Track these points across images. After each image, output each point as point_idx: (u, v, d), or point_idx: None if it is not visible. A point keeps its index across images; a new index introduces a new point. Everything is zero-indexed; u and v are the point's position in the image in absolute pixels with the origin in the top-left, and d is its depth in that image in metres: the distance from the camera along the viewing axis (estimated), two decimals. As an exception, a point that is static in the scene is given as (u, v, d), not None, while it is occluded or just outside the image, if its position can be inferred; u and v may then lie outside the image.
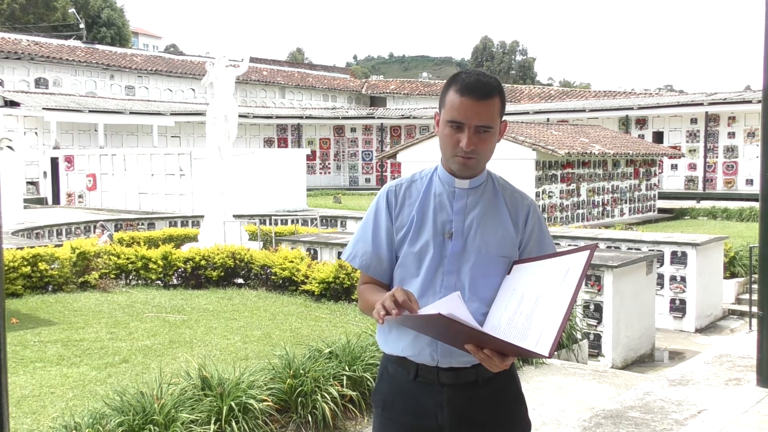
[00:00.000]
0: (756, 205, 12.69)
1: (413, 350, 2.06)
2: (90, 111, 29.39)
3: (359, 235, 2.17)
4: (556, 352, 6.68)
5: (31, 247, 9.79)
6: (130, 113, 30.87)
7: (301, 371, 4.77)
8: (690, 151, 29.29)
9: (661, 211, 23.91)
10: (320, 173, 37.49)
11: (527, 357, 2.13)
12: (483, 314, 2.03)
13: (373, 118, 38.38)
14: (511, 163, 17.93)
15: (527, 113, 32.59)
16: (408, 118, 37.20)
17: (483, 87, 1.99)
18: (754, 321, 6.33)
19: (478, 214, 2.08)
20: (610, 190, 21.60)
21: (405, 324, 1.95)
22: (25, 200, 22.18)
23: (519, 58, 78.03)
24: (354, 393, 4.82)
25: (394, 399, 2.12)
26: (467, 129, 1.99)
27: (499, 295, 2.06)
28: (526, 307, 1.92)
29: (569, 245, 10.65)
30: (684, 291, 9.76)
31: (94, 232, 16.49)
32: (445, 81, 2.13)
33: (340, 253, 10.48)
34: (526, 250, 2.12)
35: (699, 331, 9.72)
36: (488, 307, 2.05)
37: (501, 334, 1.87)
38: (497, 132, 2.05)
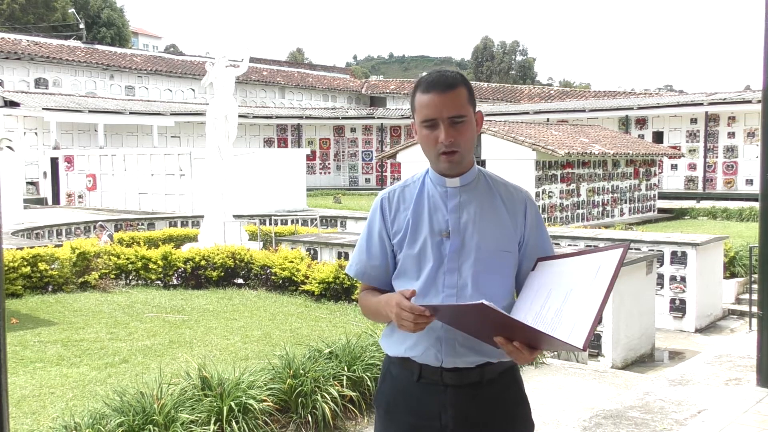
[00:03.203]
0: (756, 205, 12.68)
1: (417, 351, 2.07)
2: (90, 111, 29.39)
3: (357, 245, 2.22)
4: (555, 352, 6.67)
5: (31, 247, 9.78)
6: (130, 113, 30.86)
7: (301, 371, 4.77)
8: (690, 151, 29.30)
9: (661, 211, 23.91)
10: (320, 173, 37.50)
11: (560, 349, 2.13)
12: None
13: (373, 118, 38.39)
14: (511, 163, 17.95)
15: (527, 113, 32.58)
16: (408, 118, 36.95)
17: (445, 79, 2.03)
18: (754, 321, 6.34)
19: (473, 211, 2.08)
20: (610, 190, 21.60)
21: (437, 316, 1.97)
22: (25, 200, 22.17)
23: (519, 58, 78.01)
24: (354, 393, 4.82)
25: (397, 400, 2.12)
26: (442, 123, 2.01)
27: (524, 291, 2.07)
28: (555, 302, 1.92)
29: (569, 245, 10.64)
30: (684, 291, 9.76)
31: (94, 232, 16.49)
32: None
33: (340, 254, 10.49)
34: (528, 243, 2.12)
35: (699, 331, 9.72)
36: (493, 303, 2.05)
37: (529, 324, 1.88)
38: (472, 121, 2.06)
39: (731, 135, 28.75)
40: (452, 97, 2.01)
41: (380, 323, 2.21)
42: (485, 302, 1.76)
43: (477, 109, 2.12)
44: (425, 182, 2.14)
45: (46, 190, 28.03)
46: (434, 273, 2.05)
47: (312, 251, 10.85)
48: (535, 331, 1.82)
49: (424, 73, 2.15)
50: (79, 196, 26.28)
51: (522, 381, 2.20)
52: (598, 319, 1.82)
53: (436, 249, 2.06)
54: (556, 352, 6.59)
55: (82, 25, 43.60)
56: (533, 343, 1.85)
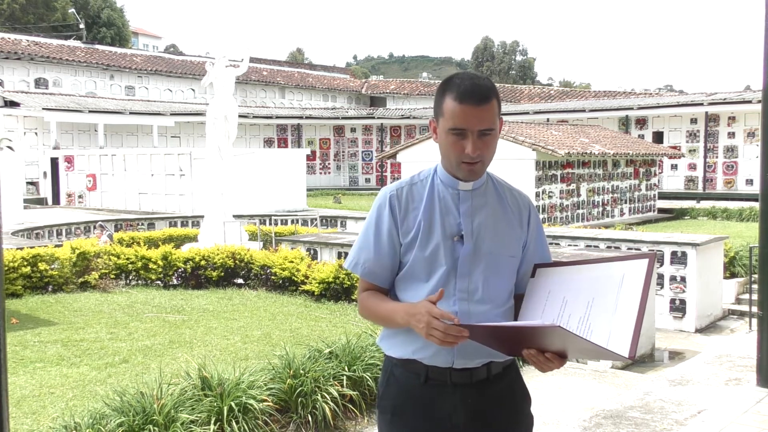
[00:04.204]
0: (756, 205, 12.68)
1: (426, 353, 2.04)
2: (90, 111, 29.38)
3: (361, 242, 2.12)
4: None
5: (31, 247, 9.79)
6: (130, 113, 30.85)
7: (301, 371, 4.77)
8: (690, 151, 29.29)
9: (661, 211, 23.91)
10: (320, 173, 37.49)
11: (601, 358, 2.11)
12: (496, 315, 2.04)
13: (373, 118, 38.38)
14: (511, 163, 17.94)
15: (527, 113, 32.58)
16: (408, 118, 37.21)
17: (480, 91, 1.97)
18: (754, 321, 6.34)
19: (485, 216, 2.07)
20: (610, 190, 21.59)
21: (475, 333, 1.89)
22: (25, 200, 22.17)
23: (519, 58, 78.02)
24: (354, 393, 4.82)
25: (405, 404, 2.09)
26: (470, 135, 1.97)
27: (530, 297, 2.06)
28: (577, 310, 1.90)
29: (569, 245, 10.64)
30: (684, 291, 9.76)
31: (94, 232, 16.49)
32: None
33: (340, 254, 10.48)
34: (529, 248, 2.13)
35: (699, 331, 9.71)
36: (499, 308, 2.05)
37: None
38: (498, 131, 2.04)
39: (731, 135, 28.74)
40: (486, 110, 1.96)
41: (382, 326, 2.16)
42: (561, 326, 1.75)
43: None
44: (434, 182, 2.10)
45: (46, 190, 28.02)
46: (446, 277, 2.03)
47: (312, 251, 10.85)
48: (586, 342, 1.77)
49: (455, 75, 2.05)
50: (79, 196, 26.27)
51: (521, 375, 2.22)
52: (639, 328, 1.78)
53: (449, 253, 2.03)
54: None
55: (82, 25, 43.61)
56: (568, 353, 1.83)
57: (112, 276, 10.16)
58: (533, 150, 18.32)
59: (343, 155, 38.33)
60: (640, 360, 8.14)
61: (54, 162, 27.49)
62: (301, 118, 37.68)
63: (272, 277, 9.90)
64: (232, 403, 4.27)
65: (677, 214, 23.26)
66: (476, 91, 1.97)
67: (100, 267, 10.10)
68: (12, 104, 28.12)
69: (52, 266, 9.67)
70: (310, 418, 4.57)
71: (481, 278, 2.03)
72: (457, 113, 1.97)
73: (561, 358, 1.85)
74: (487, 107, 1.97)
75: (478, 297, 2.02)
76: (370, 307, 2.10)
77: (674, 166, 29.67)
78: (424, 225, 2.04)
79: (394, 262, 2.09)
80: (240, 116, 17.17)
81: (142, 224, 18.95)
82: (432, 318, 1.84)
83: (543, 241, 2.17)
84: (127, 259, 10.34)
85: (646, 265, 1.88)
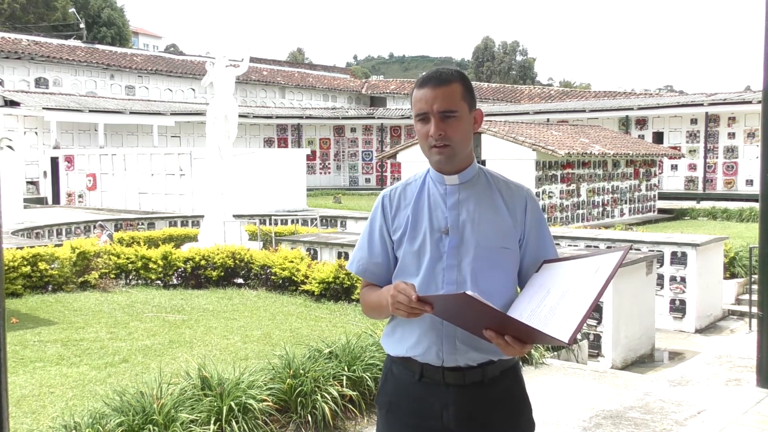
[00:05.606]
0: (756, 205, 12.68)
1: (418, 350, 2.08)
2: (90, 111, 29.38)
3: (359, 243, 2.23)
4: (555, 353, 6.67)
5: (31, 247, 9.78)
6: (130, 113, 30.85)
7: (301, 371, 4.77)
8: (690, 151, 29.29)
9: (661, 211, 23.92)
10: (320, 173, 37.50)
11: (547, 343, 2.15)
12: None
13: (373, 118, 38.38)
14: (511, 163, 17.95)
15: (527, 113, 32.56)
16: (408, 118, 37.13)
17: (439, 75, 2.06)
18: (754, 321, 6.34)
19: (473, 208, 2.09)
20: (610, 190, 21.60)
21: (437, 306, 1.97)
22: (25, 200, 22.16)
23: (519, 58, 77.97)
24: (354, 393, 4.82)
25: (399, 400, 2.13)
26: (433, 117, 2.03)
27: (525, 290, 2.08)
28: (551, 300, 1.93)
29: (569, 245, 10.64)
30: (684, 291, 9.76)
31: (94, 231, 16.49)
32: None
33: (340, 254, 10.49)
34: (529, 241, 2.13)
35: (699, 331, 9.72)
36: (493, 300, 2.05)
37: (522, 320, 1.89)
38: (465, 117, 2.07)
39: (731, 135, 28.73)
40: (445, 91, 2.03)
41: (380, 319, 2.20)
42: (468, 292, 1.78)
43: (477, 107, 2.13)
44: (426, 181, 2.16)
45: (46, 190, 28.02)
46: (432, 268, 2.06)
47: (312, 251, 10.85)
48: (521, 323, 1.83)
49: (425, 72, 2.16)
50: (79, 196, 26.27)
51: (523, 380, 2.20)
52: (588, 316, 1.82)
53: (434, 245, 2.07)
54: (556, 352, 6.60)
55: (82, 25, 43.62)
56: (522, 336, 1.86)
57: (112, 276, 10.16)
58: (533, 150, 18.33)
59: (343, 155, 38.33)
60: (639, 360, 8.15)
61: (54, 161, 27.50)
62: (301, 118, 37.69)
63: (272, 277, 9.90)
64: (232, 403, 4.27)
65: (677, 215, 23.27)
66: (434, 76, 2.06)
67: (100, 267, 10.10)
68: (12, 104, 28.12)
69: (52, 266, 9.67)
70: (309, 418, 4.57)
71: (469, 269, 2.05)
72: (418, 98, 2.06)
73: (521, 342, 1.85)
74: (445, 89, 2.03)
75: (468, 289, 2.03)
76: (365, 300, 2.20)
77: (674, 167, 29.67)
78: (411, 220, 2.11)
79: (387, 260, 2.16)
80: (240, 116, 17.17)
81: (142, 224, 18.95)
82: (397, 292, 1.91)
83: (545, 235, 2.16)
84: (127, 258, 10.34)
85: (618, 257, 1.91)
